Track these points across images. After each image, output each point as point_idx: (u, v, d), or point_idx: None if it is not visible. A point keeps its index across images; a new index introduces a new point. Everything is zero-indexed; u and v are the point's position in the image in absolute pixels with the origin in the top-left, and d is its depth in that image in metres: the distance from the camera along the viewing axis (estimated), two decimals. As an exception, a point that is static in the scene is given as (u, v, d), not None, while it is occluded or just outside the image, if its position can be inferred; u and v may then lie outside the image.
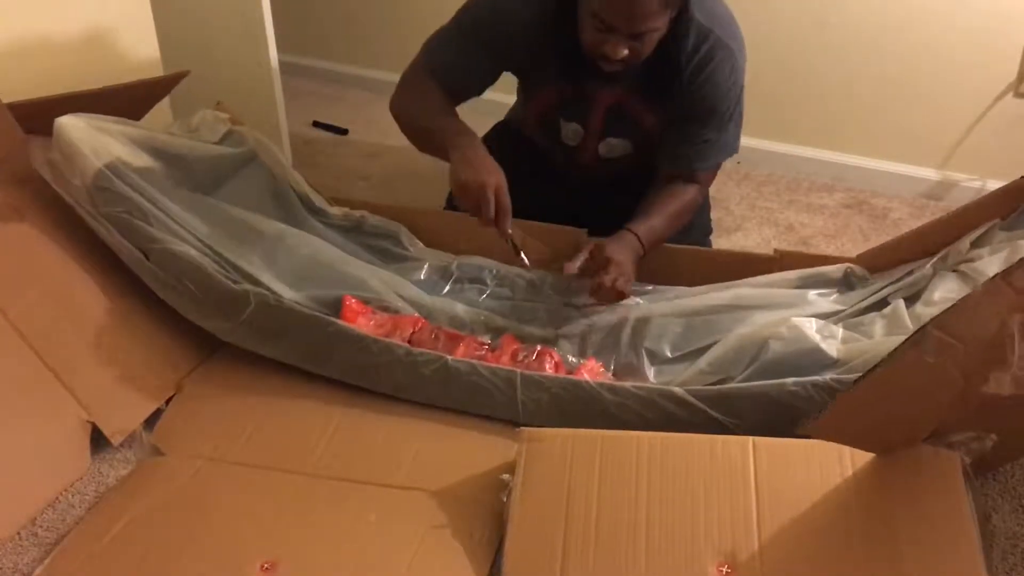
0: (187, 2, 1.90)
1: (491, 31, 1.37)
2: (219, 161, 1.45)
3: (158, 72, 1.65)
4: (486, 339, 1.31)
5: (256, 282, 1.28)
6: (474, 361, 1.19)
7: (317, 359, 1.25)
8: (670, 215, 1.40)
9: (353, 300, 1.31)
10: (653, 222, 1.37)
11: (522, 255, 1.30)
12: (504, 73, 1.47)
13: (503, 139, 1.67)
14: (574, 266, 1.31)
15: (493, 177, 1.24)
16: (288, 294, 1.28)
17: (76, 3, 1.48)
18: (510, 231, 1.26)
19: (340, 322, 1.24)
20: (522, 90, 1.57)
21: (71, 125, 1.27)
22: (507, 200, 1.24)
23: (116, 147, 1.31)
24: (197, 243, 1.28)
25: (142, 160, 1.33)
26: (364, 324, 1.28)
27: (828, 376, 1.06)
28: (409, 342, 1.26)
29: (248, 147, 1.50)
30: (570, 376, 1.18)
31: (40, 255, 1.24)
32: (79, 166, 1.25)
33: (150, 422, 1.22)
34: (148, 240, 1.25)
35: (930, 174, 1.99)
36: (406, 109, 1.42)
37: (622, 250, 1.32)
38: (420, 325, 1.30)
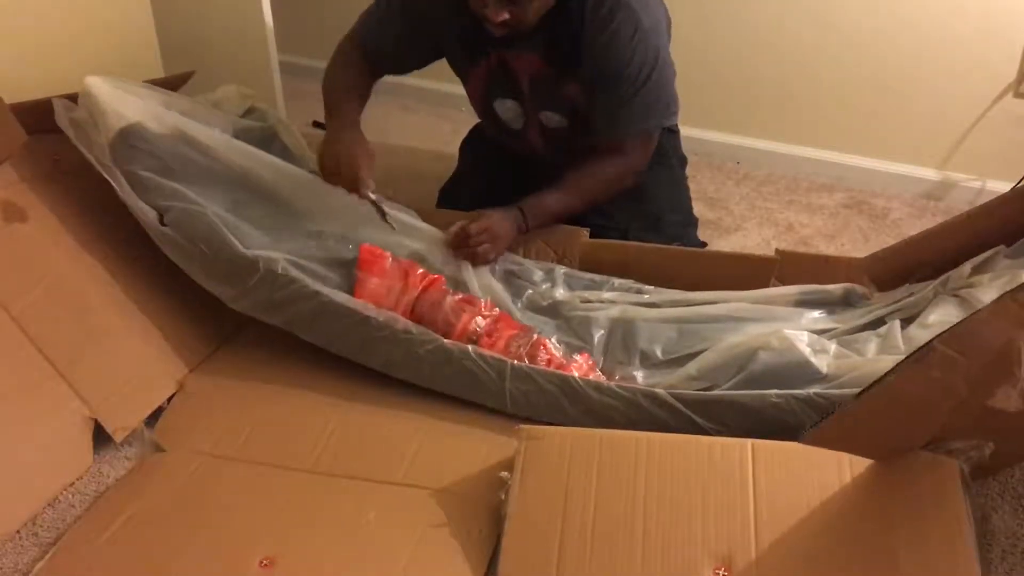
0: (187, 2, 1.91)
1: (414, 7, 1.44)
2: (240, 134, 1.46)
3: (158, 72, 1.65)
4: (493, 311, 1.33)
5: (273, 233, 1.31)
6: (468, 346, 1.20)
7: (318, 330, 1.26)
8: (574, 189, 1.44)
9: (371, 248, 1.33)
10: (546, 197, 1.42)
11: (388, 220, 1.35)
12: None
13: (480, 143, 1.69)
14: (451, 232, 1.38)
15: (347, 147, 1.33)
16: (309, 246, 1.32)
17: (76, 3, 1.49)
18: (371, 195, 1.34)
19: (341, 294, 1.25)
20: (462, 83, 1.58)
21: (99, 85, 1.29)
22: (360, 166, 1.32)
23: (142, 109, 1.32)
24: (214, 207, 1.29)
25: (167, 124, 1.34)
26: (379, 272, 1.30)
27: (812, 391, 1.06)
28: (417, 298, 1.29)
29: (269, 124, 1.52)
30: (559, 371, 1.19)
31: (43, 253, 1.24)
32: (104, 124, 1.27)
33: (152, 420, 1.22)
34: (166, 200, 1.26)
35: (930, 174, 1.99)
36: (325, 79, 1.50)
37: (500, 218, 1.38)
38: (429, 282, 1.32)
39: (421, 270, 1.34)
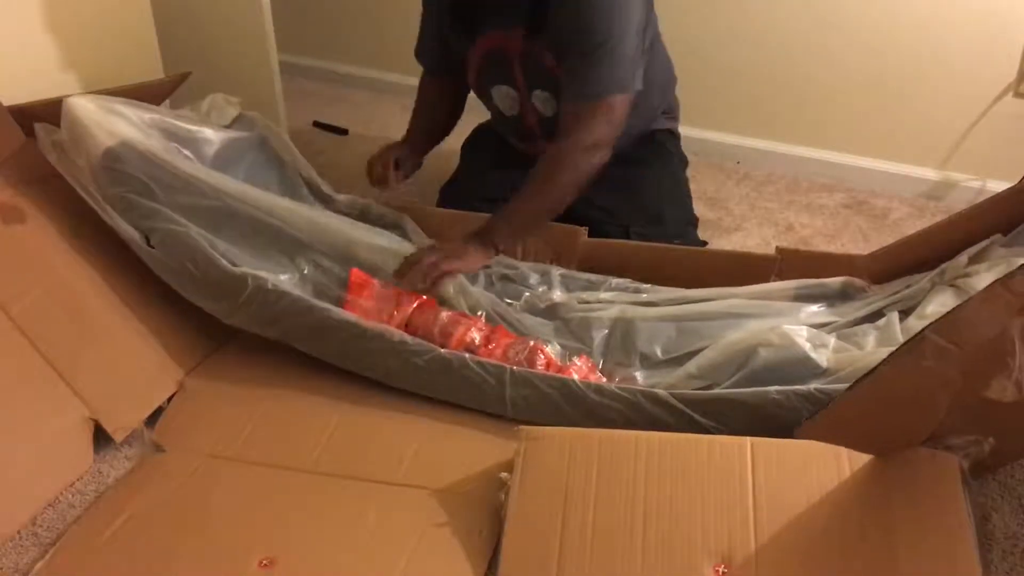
0: (187, 2, 1.91)
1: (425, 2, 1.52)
2: (229, 144, 1.46)
3: (158, 73, 1.65)
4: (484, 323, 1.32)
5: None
6: (465, 355, 1.20)
7: (314, 343, 1.26)
8: (541, 186, 1.37)
9: (360, 273, 1.33)
10: (512, 206, 1.38)
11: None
12: None
13: (480, 143, 1.70)
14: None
15: (378, 151, 1.56)
16: (295, 265, 1.33)
17: (76, 3, 1.49)
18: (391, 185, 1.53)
19: (334, 308, 1.25)
20: (465, 73, 1.58)
21: (80, 105, 1.28)
22: (379, 166, 1.54)
23: (125, 128, 1.31)
24: (200, 226, 1.28)
25: (151, 141, 1.34)
26: (368, 296, 1.29)
27: (812, 386, 1.06)
28: (410, 318, 1.28)
29: (257, 132, 1.52)
30: (559, 375, 1.19)
31: (42, 255, 1.24)
32: (86, 146, 1.26)
33: (152, 420, 1.22)
34: (151, 221, 1.26)
35: (930, 174, 1.99)
36: None
37: (453, 249, 1.34)
38: (421, 302, 1.31)
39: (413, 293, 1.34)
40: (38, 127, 1.28)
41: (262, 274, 1.26)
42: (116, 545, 1.00)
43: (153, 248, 1.26)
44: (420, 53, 1.61)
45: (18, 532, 1.06)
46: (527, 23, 1.39)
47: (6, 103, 1.29)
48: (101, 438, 1.18)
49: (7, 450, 1.08)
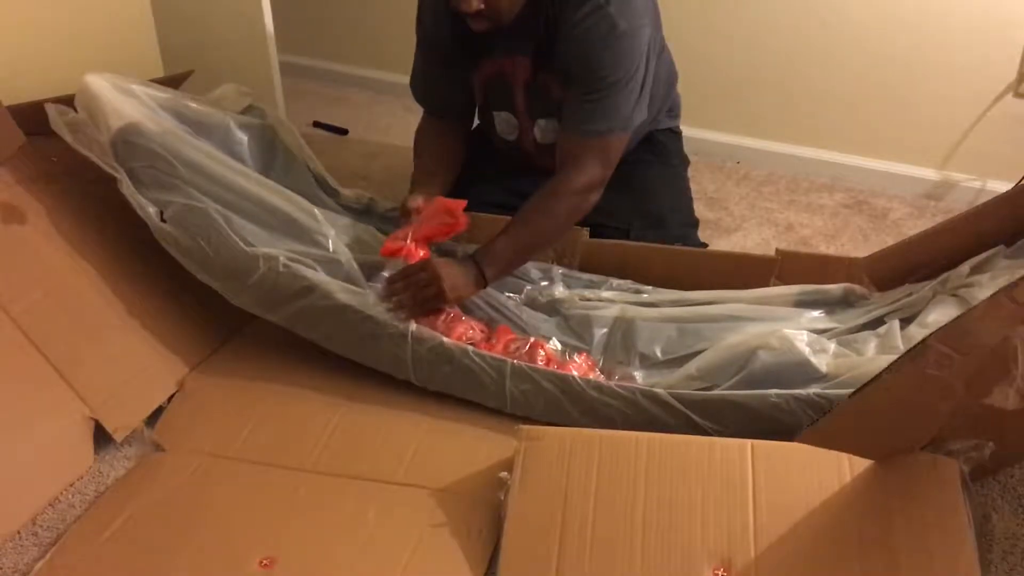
0: (187, 2, 1.91)
1: (424, 32, 1.46)
2: (239, 132, 1.46)
3: (158, 73, 1.65)
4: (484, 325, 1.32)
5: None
6: (467, 347, 1.20)
7: (318, 328, 1.26)
8: (529, 226, 1.33)
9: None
10: (499, 243, 1.30)
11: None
12: None
13: (480, 143, 1.69)
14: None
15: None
16: (308, 245, 1.31)
17: (76, 3, 1.49)
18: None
19: (346, 290, 1.24)
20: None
21: (97, 84, 1.29)
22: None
23: (140, 108, 1.32)
24: (215, 204, 1.29)
25: (165, 122, 1.35)
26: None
27: (812, 390, 1.06)
28: None
29: (268, 123, 1.52)
30: (559, 371, 1.19)
31: (43, 255, 1.24)
32: (103, 123, 1.27)
33: (152, 420, 1.23)
34: (169, 195, 1.26)
35: (930, 174, 1.99)
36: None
37: (447, 263, 1.27)
38: None
39: None
40: (49, 107, 1.28)
41: (274, 252, 1.26)
42: (116, 545, 1.01)
43: (165, 223, 1.26)
44: (423, 100, 1.53)
45: (18, 532, 1.06)
46: (534, 53, 1.37)
47: (6, 103, 1.29)
48: (101, 438, 1.18)
49: (7, 450, 1.08)
